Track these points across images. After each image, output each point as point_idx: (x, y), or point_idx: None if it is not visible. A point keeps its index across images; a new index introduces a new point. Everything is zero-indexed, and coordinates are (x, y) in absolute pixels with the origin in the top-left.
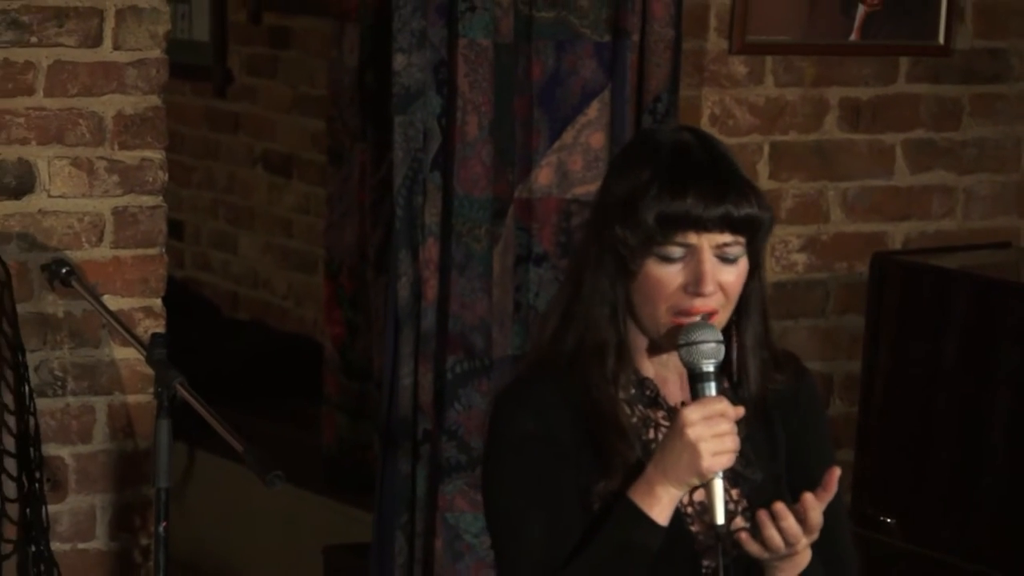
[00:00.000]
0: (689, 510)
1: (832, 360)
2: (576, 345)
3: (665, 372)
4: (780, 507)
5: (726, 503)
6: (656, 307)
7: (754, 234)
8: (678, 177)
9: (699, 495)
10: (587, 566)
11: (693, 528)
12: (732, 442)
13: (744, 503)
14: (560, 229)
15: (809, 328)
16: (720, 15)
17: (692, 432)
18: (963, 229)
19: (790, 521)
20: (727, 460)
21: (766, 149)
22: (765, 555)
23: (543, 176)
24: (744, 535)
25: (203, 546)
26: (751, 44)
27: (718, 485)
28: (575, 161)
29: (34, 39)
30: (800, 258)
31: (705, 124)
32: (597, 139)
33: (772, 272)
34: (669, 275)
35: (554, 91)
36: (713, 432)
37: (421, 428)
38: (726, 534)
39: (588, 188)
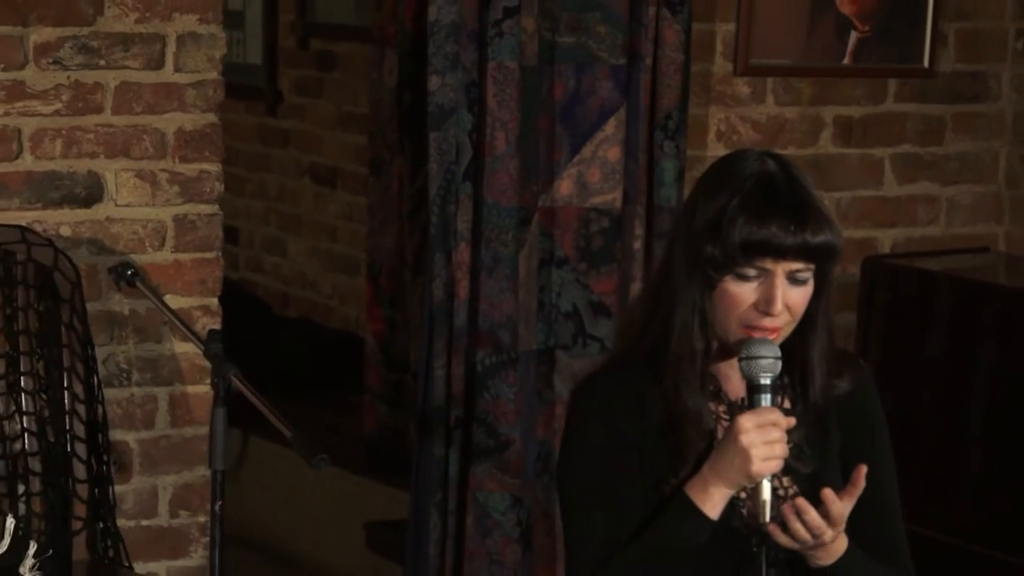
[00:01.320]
0: (742, 495)
1: None
2: (656, 347)
3: (728, 370)
4: (801, 502)
5: (777, 491)
6: (729, 319)
7: (825, 262)
8: (763, 208)
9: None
10: (641, 551)
11: (743, 511)
12: (781, 449)
13: (794, 488)
14: (579, 235)
15: None
16: (725, 40)
17: (745, 439)
18: (946, 235)
19: (812, 514)
20: (775, 466)
21: None
22: (795, 545)
23: (564, 187)
24: (774, 527)
25: (255, 523)
26: (753, 67)
27: (766, 487)
28: (593, 173)
29: (103, 62)
30: None
31: (712, 140)
32: (613, 153)
33: None
34: (744, 293)
35: (574, 109)
36: (764, 440)
37: (453, 415)
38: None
39: (605, 198)
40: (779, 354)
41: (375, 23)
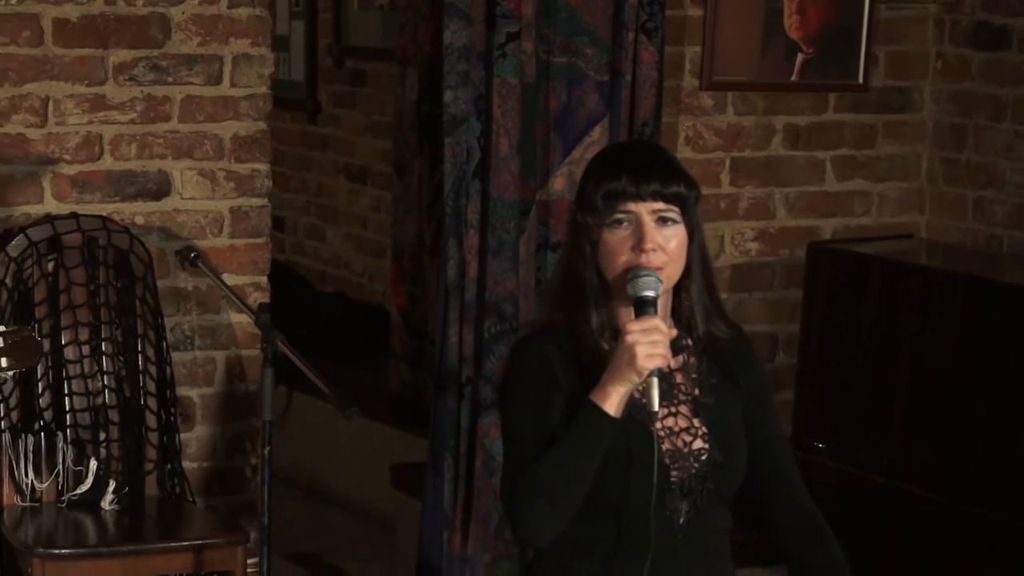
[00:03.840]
0: (662, 433)
1: (777, 323)
2: (568, 309)
3: None
4: None
5: (689, 429)
6: (615, 266)
7: (683, 203)
8: (615, 162)
9: (669, 422)
10: (560, 449)
11: (665, 446)
12: (663, 348)
13: (704, 429)
14: None
15: (760, 299)
16: (693, 60)
17: (631, 338)
18: (877, 224)
19: None
20: (659, 361)
21: (728, 163)
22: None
23: (558, 183)
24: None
25: (298, 464)
26: (716, 82)
27: (654, 383)
28: (581, 172)
29: (170, 79)
30: (753, 246)
31: (681, 144)
32: None
33: (731, 256)
34: (619, 239)
35: (566, 118)
36: (648, 340)
37: (464, 375)
38: (687, 453)
39: None
40: (659, 277)
41: (399, 46)
